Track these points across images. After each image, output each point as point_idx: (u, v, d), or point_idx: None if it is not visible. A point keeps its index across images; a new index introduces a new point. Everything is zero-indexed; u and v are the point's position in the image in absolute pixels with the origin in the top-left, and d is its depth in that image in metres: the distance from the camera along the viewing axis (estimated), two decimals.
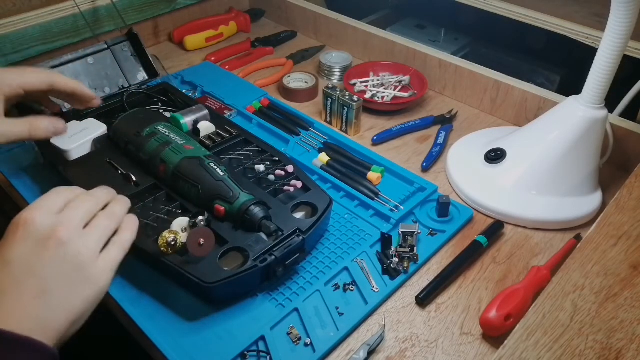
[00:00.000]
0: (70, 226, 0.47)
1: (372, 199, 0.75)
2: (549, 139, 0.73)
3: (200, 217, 0.61)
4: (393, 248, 0.67)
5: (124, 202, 0.54)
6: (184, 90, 0.95)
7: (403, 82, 1.00)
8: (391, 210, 0.73)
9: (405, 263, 0.66)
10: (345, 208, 0.74)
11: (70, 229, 0.47)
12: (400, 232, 0.68)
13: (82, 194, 0.51)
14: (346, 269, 0.65)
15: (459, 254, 0.67)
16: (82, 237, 0.47)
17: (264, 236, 0.62)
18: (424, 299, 0.62)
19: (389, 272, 0.65)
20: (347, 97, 0.88)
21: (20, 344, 0.42)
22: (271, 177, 0.72)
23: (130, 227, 0.53)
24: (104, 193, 0.53)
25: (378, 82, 1.00)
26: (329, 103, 0.91)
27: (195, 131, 0.78)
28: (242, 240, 0.62)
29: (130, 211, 0.55)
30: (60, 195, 0.50)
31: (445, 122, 0.93)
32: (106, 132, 0.78)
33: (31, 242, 0.45)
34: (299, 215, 0.67)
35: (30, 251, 0.45)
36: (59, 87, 0.66)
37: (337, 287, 0.63)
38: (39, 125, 0.64)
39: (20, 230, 0.45)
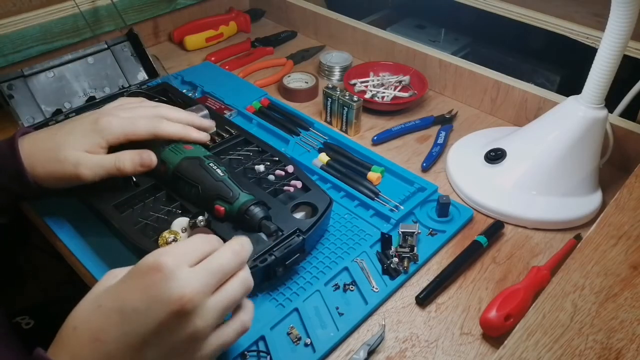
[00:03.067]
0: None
1: (372, 199, 0.75)
2: (549, 139, 0.73)
3: (200, 217, 0.62)
4: (393, 248, 0.67)
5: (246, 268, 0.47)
6: (184, 90, 0.95)
7: (403, 82, 1.00)
8: (391, 210, 0.73)
9: (405, 263, 0.66)
10: (345, 208, 0.74)
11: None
12: (400, 232, 0.68)
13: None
14: (346, 269, 0.65)
15: (459, 254, 0.67)
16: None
17: (264, 236, 0.62)
18: (424, 299, 0.62)
19: (389, 272, 0.65)
20: (347, 97, 0.88)
21: None
22: (271, 177, 0.72)
23: (250, 308, 0.47)
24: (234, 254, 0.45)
25: (378, 82, 1.00)
26: (329, 103, 0.91)
27: None
28: None
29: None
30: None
31: (445, 122, 0.93)
32: None
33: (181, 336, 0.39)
34: (299, 215, 0.67)
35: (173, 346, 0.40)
36: (161, 136, 0.66)
37: (337, 287, 0.63)
38: (124, 162, 0.64)
39: (175, 317, 0.38)
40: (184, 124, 0.69)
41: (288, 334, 0.58)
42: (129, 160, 0.64)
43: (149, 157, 0.65)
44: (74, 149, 0.62)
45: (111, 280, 0.42)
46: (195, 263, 0.42)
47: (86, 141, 0.63)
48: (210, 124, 0.73)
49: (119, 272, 0.43)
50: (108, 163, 0.63)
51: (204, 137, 0.71)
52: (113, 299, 0.40)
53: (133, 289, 0.39)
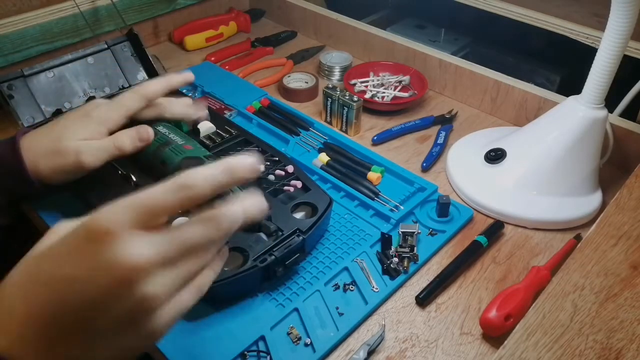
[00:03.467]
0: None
1: (372, 199, 0.75)
2: (549, 139, 0.73)
3: None
4: (393, 248, 0.67)
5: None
6: (184, 90, 0.95)
7: (403, 82, 1.00)
8: (391, 210, 0.73)
9: (405, 263, 0.66)
10: (345, 208, 0.74)
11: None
12: (400, 232, 0.68)
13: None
14: (346, 269, 0.65)
15: (459, 254, 0.67)
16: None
17: (264, 236, 0.62)
18: (424, 299, 0.62)
19: (389, 272, 0.65)
20: (347, 97, 0.88)
21: None
22: (271, 177, 0.72)
23: (217, 263, 0.41)
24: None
25: (378, 82, 1.00)
26: (329, 103, 0.91)
27: (195, 131, 0.78)
28: (242, 240, 0.62)
29: None
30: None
31: (445, 122, 0.93)
32: None
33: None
34: (299, 215, 0.67)
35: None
36: (147, 94, 0.67)
37: (337, 287, 0.63)
38: (122, 140, 0.64)
39: (121, 285, 0.33)
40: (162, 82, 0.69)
41: (288, 334, 0.58)
42: (128, 137, 0.64)
43: (146, 131, 0.66)
44: (73, 139, 0.63)
45: (53, 238, 0.37)
46: (156, 225, 0.36)
47: (85, 130, 0.63)
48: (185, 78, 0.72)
49: (65, 228, 0.37)
50: (107, 145, 0.64)
51: (184, 78, 0.71)
52: (51, 265, 0.35)
53: (74, 253, 0.34)
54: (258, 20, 1.28)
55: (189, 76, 0.72)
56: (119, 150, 0.64)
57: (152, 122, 0.75)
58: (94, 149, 0.63)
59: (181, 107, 0.71)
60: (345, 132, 0.91)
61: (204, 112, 0.74)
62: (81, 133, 0.63)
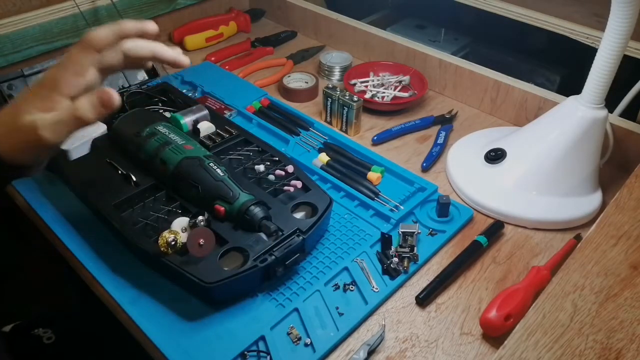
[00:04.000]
0: None
1: (372, 199, 0.75)
2: (549, 139, 0.73)
3: (200, 217, 0.62)
4: (393, 248, 0.67)
5: None
6: (184, 90, 0.95)
7: (403, 82, 1.00)
8: (391, 210, 0.73)
9: (405, 263, 0.66)
10: (345, 208, 0.74)
11: None
12: (400, 232, 0.68)
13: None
14: (346, 269, 0.65)
15: (459, 254, 0.67)
16: None
17: (264, 236, 0.62)
18: (424, 299, 0.62)
19: (389, 272, 0.65)
20: (347, 97, 0.88)
21: None
22: (271, 177, 0.72)
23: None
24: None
25: (378, 82, 1.00)
26: (329, 103, 0.91)
27: (195, 131, 0.78)
28: (242, 240, 0.62)
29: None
30: None
31: (445, 122, 0.93)
32: (106, 132, 0.78)
33: None
34: (299, 215, 0.67)
35: None
36: (95, 41, 0.56)
37: (337, 287, 0.63)
38: (83, 108, 0.53)
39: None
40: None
41: (288, 334, 0.58)
42: (89, 104, 0.53)
43: (108, 94, 0.53)
44: (29, 113, 0.54)
45: None
46: None
47: (38, 100, 0.54)
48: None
49: None
50: (66, 117, 0.53)
51: (141, 25, 0.57)
52: None
53: None
54: (258, 20, 1.28)
55: (148, 24, 0.58)
56: (81, 120, 0.53)
57: (152, 121, 0.75)
58: (52, 124, 0.53)
59: (149, 47, 0.58)
60: (345, 132, 0.91)
61: (186, 60, 0.58)
62: (35, 104, 0.54)
